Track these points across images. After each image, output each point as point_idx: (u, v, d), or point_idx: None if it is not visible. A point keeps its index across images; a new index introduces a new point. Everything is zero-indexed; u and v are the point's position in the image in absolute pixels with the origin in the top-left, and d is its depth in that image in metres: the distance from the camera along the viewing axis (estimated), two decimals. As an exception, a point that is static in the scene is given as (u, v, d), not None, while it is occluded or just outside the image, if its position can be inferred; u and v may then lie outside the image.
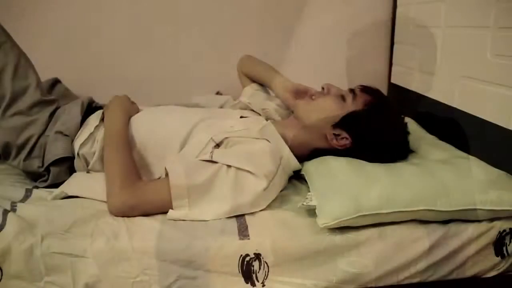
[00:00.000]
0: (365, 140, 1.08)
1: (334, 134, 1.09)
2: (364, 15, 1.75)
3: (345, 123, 1.09)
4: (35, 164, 1.12)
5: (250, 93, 1.40)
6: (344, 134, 1.08)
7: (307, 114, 1.14)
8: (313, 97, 1.18)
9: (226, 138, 1.07)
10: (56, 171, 1.11)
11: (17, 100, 1.13)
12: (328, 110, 1.11)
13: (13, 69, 1.14)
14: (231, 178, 0.95)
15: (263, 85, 1.41)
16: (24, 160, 1.13)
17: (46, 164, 1.11)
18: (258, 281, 0.88)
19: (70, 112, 1.19)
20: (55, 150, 1.11)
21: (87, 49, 1.70)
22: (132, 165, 1.02)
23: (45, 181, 1.12)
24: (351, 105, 1.10)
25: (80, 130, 1.17)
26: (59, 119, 1.17)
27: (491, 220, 0.93)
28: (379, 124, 1.08)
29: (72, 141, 1.15)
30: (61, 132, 1.13)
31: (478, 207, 0.90)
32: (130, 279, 0.86)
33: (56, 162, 1.11)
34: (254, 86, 1.42)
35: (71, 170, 1.15)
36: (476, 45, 1.13)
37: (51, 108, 1.19)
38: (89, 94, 1.33)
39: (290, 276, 0.88)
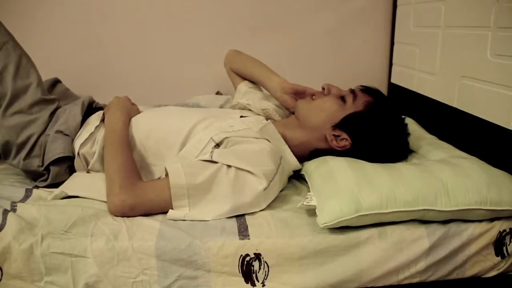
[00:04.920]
0: (365, 141, 1.08)
1: (334, 135, 1.09)
2: (364, 15, 1.76)
3: (345, 124, 1.09)
4: (35, 163, 1.12)
5: (244, 91, 1.39)
6: (344, 135, 1.08)
7: (307, 114, 1.14)
8: (314, 97, 1.18)
9: (226, 138, 1.07)
10: (56, 171, 1.11)
11: (18, 99, 1.13)
12: (328, 111, 1.11)
13: (15, 68, 1.14)
14: (231, 178, 0.95)
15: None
16: (24, 159, 1.13)
17: (46, 163, 1.11)
18: (258, 281, 0.88)
19: (71, 112, 1.19)
20: (55, 149, 1.11)
21: (88, 49, 1.71)
22: (132, 165, 1.02)
23: (45, 180, 1.12)
24: (351, 106, 1.10)
25: (81, 130, 1.17)
26: (59, 119, 1.17)
27: (491, 220, 0.93)
28: (379, 126, 1.08)
29: (72, 140, 1.15)
30: (61, 132, 1.13)
31: (478, 207, 0.90)
32: (130, 279, 0.86)
33: (56, 162, 1.11)
34: (248, 83, 1.41)
35: (71, 170, 1.15)
36: (476, 45, 1.13)
37: (51, 108, 1.19)
38: (90, 95, 1.33)
39: (290, 276, 0.88)
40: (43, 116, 1.16)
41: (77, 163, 1.14)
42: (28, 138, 1.12)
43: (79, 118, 1.18)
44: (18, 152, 1.13)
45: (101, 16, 1.68)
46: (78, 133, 1.16)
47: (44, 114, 1.16)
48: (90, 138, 1.15)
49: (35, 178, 1.15)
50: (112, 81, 1.74)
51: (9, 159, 1.15)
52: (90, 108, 1.27)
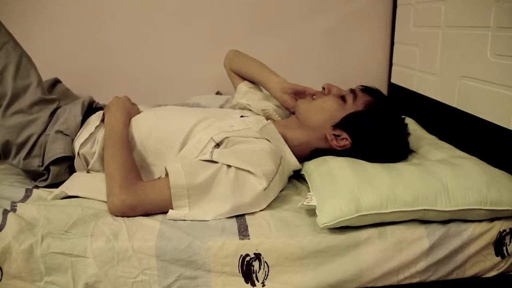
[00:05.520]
0: (365, 141, 1.08)
1: (334, 135, 1.09)
2: (364, 15, 1.75)
3: (345, 124, 1.09)
4: (35, 163, 1.12)
5: (244, 91, 1.39)
6: (344, 135, 1.08)
7: (307, 114, 1.14)
8: (314, 97, 1.18)
9: (226, 137, 1.07)
10: (56, 171, 1.11)
11: (18, 99, 1.13)
12: (328, 110, 1.11)
13: (15, 68, 1.14)
14: (231, 178, 0.95)
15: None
16: (24, 159, 1.13)
17: (46, 163, 1.11)
18: (258, 281, 0.88)
19: (71, 112, 1.19)
20: (56, 149, 1.11)
21: (88, 50, 1.71)
22: (132, 165, 1.02)
23: (45, 180, 1.12)
24: (351, 106, 1.10)
25: (81, 130, 1.17)
26: (59, 119, 1.17)
27: (491, 220, 0.93)
28: (379, 126, 1.08)
29: (73, 140, 1.15)
30: (61, 132, 1.13)
31: (478, 207, 0.90)
32: (130, 279, 0.86)
33: (56, 162, 1.11)
34: (247, 83, 1.41)
35: (71, 170, 1.15)
36: (476, 45, 1.13)
37: (52, 107, 1.19)
38: (90, 95, 1.33)
39: (290, 276, 0.88)
40: (43, 116, 1.16)
41: (77, 163, 1.14)
42: (28, 138, 1.12)
43: (79, 118, 1.18)
44: (18, 152, 1.13)
45: (101, 16, 1.68)
46: (78, 133, 1.16)
47: (44, 114, 1.16)
48: (90, 138, 1.15)
49: (35, 178, 1.15)
50: (112, 81, 1.74)
51: (9, 159, 1.15)
52: (90, 108, 1.27)
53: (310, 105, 1.15)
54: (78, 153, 1.13)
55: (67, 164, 1.13)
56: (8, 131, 1.12)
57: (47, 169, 1.12)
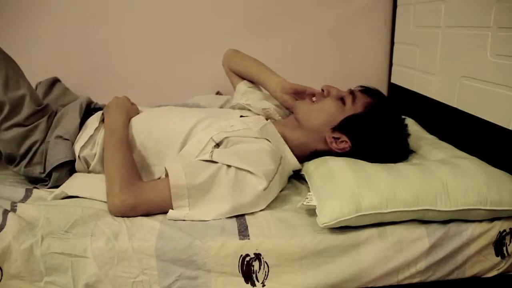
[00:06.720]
0: (365, 143, 1.08)
1: (334, 137, 1.09)
2: (364, 15, 1.75)
3: (344, 126, 1.08)
4: (36, 170, 1.12)
5: (244, 91, 1.38)
6: (344, 138, 1.08)
7: (306, 116, 1.14)
8: (314, 98, 1.17)
9: (226, 137, 1.07)
10: (57, 176, 1.11)
11: (15, 113, 1.12)
12: (327, 113, 1.11)
13: (3, 82, 1.11)
14: (231, 178, 0.95)
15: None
16: (26, 166, 1.13)
17: (48, 170, 1.10)
18: (258, 281, 0.88)
19: (69, 116, 1.19)
20: (57, 155, 1.11)
21: (87, 50, 1.71)
22: (132, 166, 1.02)
23: (46, 185, 1.12)
24: (350, 108, 1.10)
25: (80, 132, 1.17)
26: (58, 124, 1.17)
27: (491, 220, 0.93)
28: (379, 128, 1.08)
29: (72, 144, 1.14)
30: (60, 137, 1.13)
31: (478, 207, 0.90)
32: (130, 279, 0.86)
33: (57, 167, 1.10)
34: (247, 83, 1.40)
35: (72, 173, 1.15)
36: (476, 45, 1.13)
37: (46, 115, 1.18)
38: (89, 95, 1.33)
39: (290, 276, 0.88)
40: (42, 124, 1.15)
41: (78, 166, 1.14)
42: (30, 147, 1.12)
43: (77, 121, 1.18)
44: (20, 161, 1.13)
45: (100, 16, 1.68)
46: (78, 136, 1.16)
47: (42, 121, 1.16)
48: (90, 141, 1.15)
49: (36, 183, 1.14)
50: (111, 81, 1.74)
51: (11, 166, 1.15)
52: (89, 109, 1.27)
53: (309, 107, 1.15)
54: (78, 156, 1.13)
55: (68, 168, 1.13)
56: (8, 144, 1.11)
57: (49, 174, 1.11)
